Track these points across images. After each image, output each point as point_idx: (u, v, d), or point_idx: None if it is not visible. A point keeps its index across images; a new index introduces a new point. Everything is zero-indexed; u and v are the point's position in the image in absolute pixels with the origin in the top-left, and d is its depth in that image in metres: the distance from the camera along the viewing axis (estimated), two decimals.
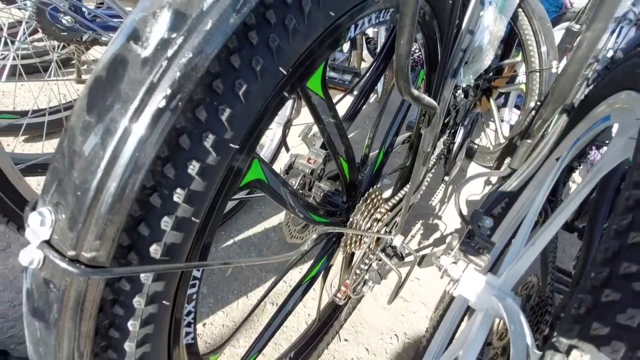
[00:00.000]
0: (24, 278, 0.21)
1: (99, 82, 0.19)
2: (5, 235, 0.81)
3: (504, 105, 1.96)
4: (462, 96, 0.98)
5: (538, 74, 1.26)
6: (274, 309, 0.66)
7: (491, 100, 1.61)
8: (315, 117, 0.42)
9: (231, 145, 0.23)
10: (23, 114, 1.00)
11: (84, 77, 1.38)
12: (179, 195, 0.21)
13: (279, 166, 0.83)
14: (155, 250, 0.21)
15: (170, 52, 0.18)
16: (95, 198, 0.18)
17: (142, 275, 0.21)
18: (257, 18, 0.22)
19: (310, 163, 0.55)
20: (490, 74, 1.51)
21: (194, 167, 0.21)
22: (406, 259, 0.63)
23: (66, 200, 0.19)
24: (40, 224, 0.19)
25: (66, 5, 0.78)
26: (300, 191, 0.60)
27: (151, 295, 0.23)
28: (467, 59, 0.91)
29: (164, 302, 0.25)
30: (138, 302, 0.22)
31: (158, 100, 0.18)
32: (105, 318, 0.22)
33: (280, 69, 0.25)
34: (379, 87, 1.75)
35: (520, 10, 1.25)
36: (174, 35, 0.18)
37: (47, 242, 0.19)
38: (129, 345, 0.24)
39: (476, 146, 1.70)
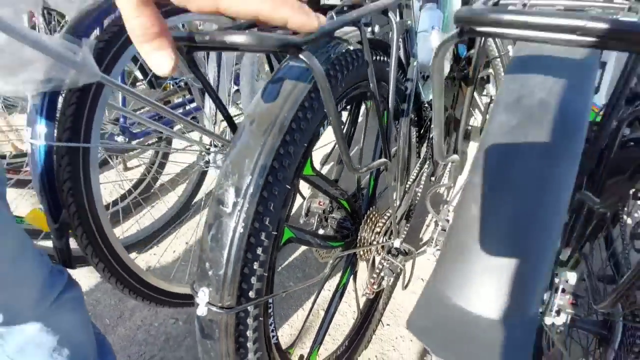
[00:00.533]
0: (195, 320, 0.45)
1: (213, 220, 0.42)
2: (118, 306, 1.08)
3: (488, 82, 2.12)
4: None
5: (499, 59, 1.42)
6: (323, 313, 0.88)
7: (469, 88, 1.77)
8: (314, 186, 0.64)
9: (273, 233, 0.45)
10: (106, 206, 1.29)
11: (128, 165, 1.69)
12: (259, 267, 0.44)
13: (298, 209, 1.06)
14: (252, 293, 0.44)
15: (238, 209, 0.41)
16: (225, 278, 0.41)
17: (250, 307, 0.44)
18: (270, 181, 0.44)
19: (321, 205, 0.77)
20: (463, 64, 1.68)
21: (261, 250, 0.44)
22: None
23: (210, 280, 0.42)
24: (203, 295, 0.42)
25: (117, 129, 1.05)
26: (321, 222, 0.82)
27: (254, 316, 0.46)
28: (424, 81, 1.10)
29: (260, 318, 0.47)
30: (250, 320, 0.45)
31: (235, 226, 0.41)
32: (238, 334, 0.45)
33: (291, 180, 0.47)
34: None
35: None
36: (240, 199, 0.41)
37: (208, 302, 0.42)
38: (251, 348, 0.47)
39: (470, 127, 1.87)
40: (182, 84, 1.42)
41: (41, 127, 0.56)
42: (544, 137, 0.31)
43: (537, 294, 0.27)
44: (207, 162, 1.10)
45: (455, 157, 0.58)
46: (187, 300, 0.97)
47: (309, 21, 0.24)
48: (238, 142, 0.43)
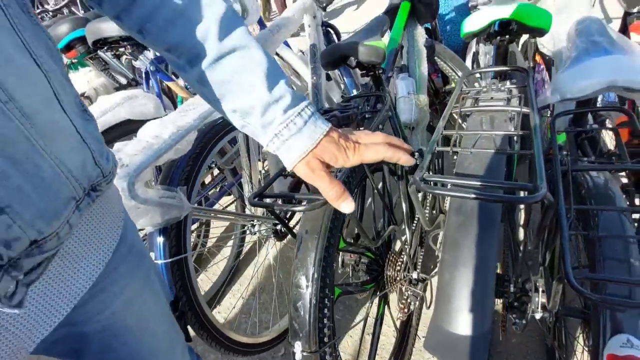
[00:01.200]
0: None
1: None
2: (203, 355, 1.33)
3: None
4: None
5: None
6: (370, 338, 1.11)
7: None
8: (347, 251, 0.89)
9: (331, 296, 0.71)
10: None
11: None
12: (327, 320, 0.69)
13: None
14: (326, 338, 0.69)
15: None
16: (309, 333, 0.66)
17: (327, 348, 0.69)
18: None
19: (351, 258, 1.02)
20: (443, 97, 1.96)
21: (326, 310, 0.69)
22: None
23: (301, 336, 0.67)
24: (298, 346, 0.67)
25: None
26: (354, 270, 1.07)
27: (329, 353, 0.71)
28: (414, 133, 1.36)
29: (333, 354, 0.72)
30: (328, 357, 0.70)
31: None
32: None
33: (334, 259, 0.73)
34: None
35: (436, 58, 1.70)
36: None
37: (302, 351, 0.67)
38: None
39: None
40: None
41: (158, 250, 0.84)
42: (477, 227, 0.56)
43: (487, 316, 0.51)
44: (246, 231, 1.36)
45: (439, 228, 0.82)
46: (254, 349, 1.19)
47: (411, 159, 0.45)
48: (301, 246, 0.69)
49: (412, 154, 0.46)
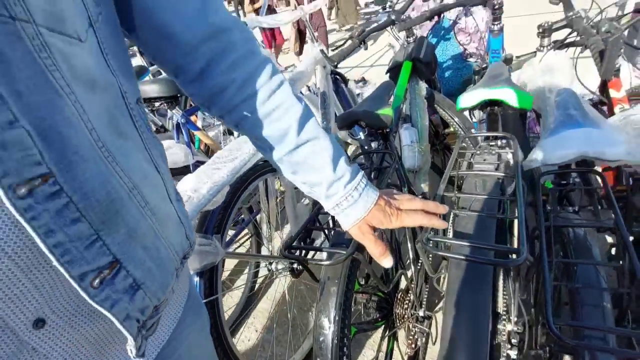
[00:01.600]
0: None
1: None
2: None
3: None
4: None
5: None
6: None
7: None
8: (359, 292, 1.00)
9: (349, 335, 0.81)
10: None
11: None
12: (346, 357, 0.79)
13: None
14: None
15: None
16: None
17: None
18: None
19: (363, 297, 1.13)
20: (443, 138, 2.11)
21: (346, 348, 0.79)
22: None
23: None
24: None
25: None
26: (365, 308, 1.17)
27: None
28: (418, 177, 1.49)
29: None
30: None
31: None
32: None
33: (352, 302, 0.84)
34: None
35: (436, 106, 1.86)
36: None
37: None
38: None
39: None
40: None
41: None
42: (474, 278, 0.68)
43: (483, 353, 0.61)
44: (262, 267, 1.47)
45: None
46: None
47: (444, 224, 0.56)
48: (324, 291, 0.80)
49: (444, 217, 0.57)
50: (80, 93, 0.32)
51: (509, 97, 0.87)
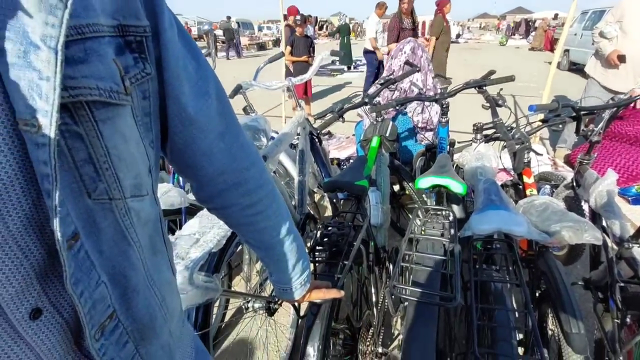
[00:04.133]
0: None
1: None
2: None
3: None
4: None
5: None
6: None
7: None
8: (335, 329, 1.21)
9: None
10: None
11: None
12: None
13: None
14: None
15: None
16: None
17: None
18: None
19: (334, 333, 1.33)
20: (399, 198, 2.47)
21: None
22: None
23: None
24: None
25: None
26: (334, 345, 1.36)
27: None
28: (379, 232, 1.78)
29: None
30: None
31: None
32: None
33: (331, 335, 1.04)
34: None
35: (397, 173, 2.23)
36: None
37: None
38: None
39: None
40: None
41: (191, 324, 1.09)
42: (423, 316, 0.95)
43: None
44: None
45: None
46: None
47: (340, 293, 0.83)
48: (311, 324, 1.00)
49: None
50: (141, 236, 0.35)
51: (451, 184, 1.20)
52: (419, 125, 2.61)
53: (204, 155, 0.45)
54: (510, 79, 1.84)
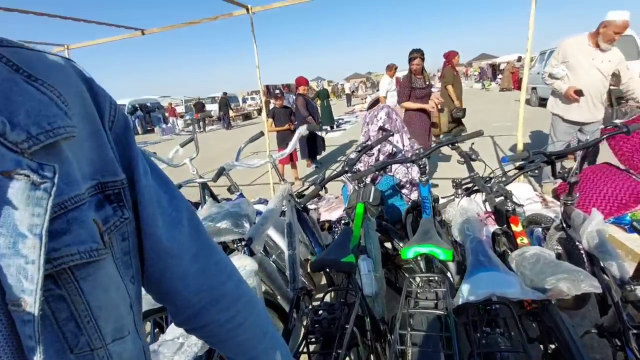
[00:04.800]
0: None
1: None
2: None
3: None
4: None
5: None
6: None
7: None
8: None
9: None
10: None
11: None
12: None
13: None
14: None
15: None
16: None
17: None
18: None
19: None
20: (394, 258, 2.43)
21: None
22: None
23: None
24: None
25: None
26: None
27: None
28: (376, 302, 1.71)
29: None
30: None
31: None
32: None
33: None
34: None
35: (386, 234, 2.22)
36: None
37: None
38: None
39: None
40: None
41: None
42: None
43: None
44: None
45: None
46: None
47: None
48: None
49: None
50: None
51: (437, 252, 1.19)
52: (403, 182, 2.66)
53: (180, 279, 0.47)
54: (479, 134, 1.92)
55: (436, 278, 1.22)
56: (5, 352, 0.27)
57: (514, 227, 1.84)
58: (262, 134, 2.27)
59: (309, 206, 2.78)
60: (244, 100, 25.80)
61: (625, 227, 3.15)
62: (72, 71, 0.36)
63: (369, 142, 2.05)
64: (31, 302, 0.27)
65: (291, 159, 5.27)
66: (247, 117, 21.31)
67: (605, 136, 1.79)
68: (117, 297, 0.36)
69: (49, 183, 0.28)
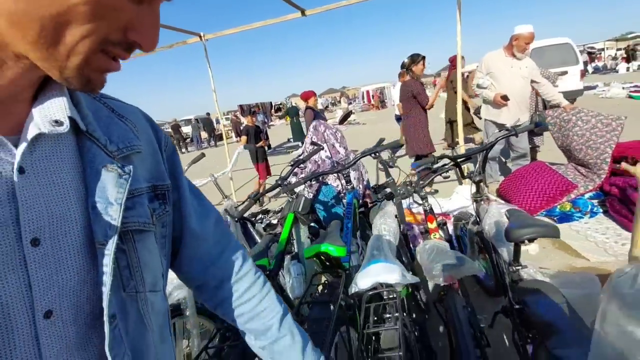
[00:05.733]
0: None
1: None
2: None
3: None
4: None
5: None
6: None
7: None
8: None
9: None
10: None
11: None
12: None
13: None
14: None
15: None
16: None
17: None
18: None
19: None
20: None
21: None
22: None
23: None
24: None
25: None
26: None
27: None
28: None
29: None
30: None
31: None
32: None
33: None
34: None
35: None
36: None
37: None
38: None
39: None
40: None
41: None
42: None
43: None
44: None
45: None
46: None
47: None
48: None
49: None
50: (154, 323, 0.48)
51: (330, 249, 1.37)
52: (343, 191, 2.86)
53: (206, 257, 0.63)
54: (397, 144, 2.15)
55: (338, 272, 1.39)
56: (89, 275, 0.41)
57: (429, 225, 2.05)
58: (203, 155, 2.42)
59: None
60: (217, 122, 25.87)
61: (555, 218, 3.45)
62: (141, 114, 0.56)
63: (300, 158, 2.24)
64: (110, 244, 0.41)
65: (268, 173, 5.55)
66: (220, 138, 21.34)
67: (498, 138, 2.03)
68: (155, 261, 0.50)
69: (127, 176, 0.44)
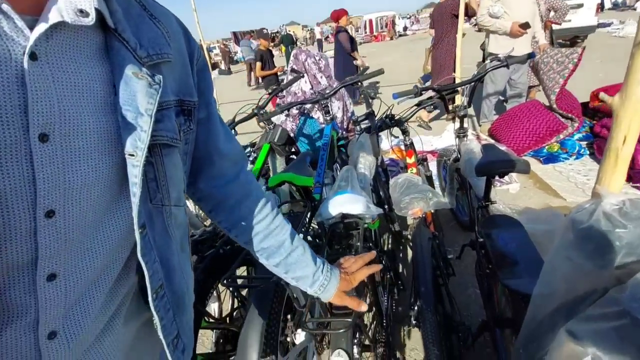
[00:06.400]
0: None
1: None
2: None
3: None
4: None
5: None
6: None
7: None
8: None
9: None
10: None
11: None
12: None
13: None
14: None
15: None
16: None
17: None
18: None
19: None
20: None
21: None
22: None
23: None
24: None
25: None
26: None
27: None
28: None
29: None
30: None
31: None
32: None
33: None
34: None
35: None
36: None
37: None
38: None
39: None
40: None
41: None
42: None
43: None
44: None
45: None
46: None
47: (379, 266, 0.81)
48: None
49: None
50: (176, 234, 0.51)
51: (296, 178, 1.34)
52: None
53: (224, 175, 0.63)
54: (380, 72, 2.01)
55: (302, 203, 1.38)
56: (124, 188, 0.41)
57: (407, 160, 2.02)
58: None
59: None
60: (210, 49, 24.37)
61: (541, 159, 3.43)
62: (174, 19, 0.51)
63: (279, 86, 2.10)
64: (140, 155, 0.40)
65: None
66: (214, 66, 20.30)
67: (488, 70, 1.90)
68: (179, 177, 0.50)
69: (158, 86, 0.42)
